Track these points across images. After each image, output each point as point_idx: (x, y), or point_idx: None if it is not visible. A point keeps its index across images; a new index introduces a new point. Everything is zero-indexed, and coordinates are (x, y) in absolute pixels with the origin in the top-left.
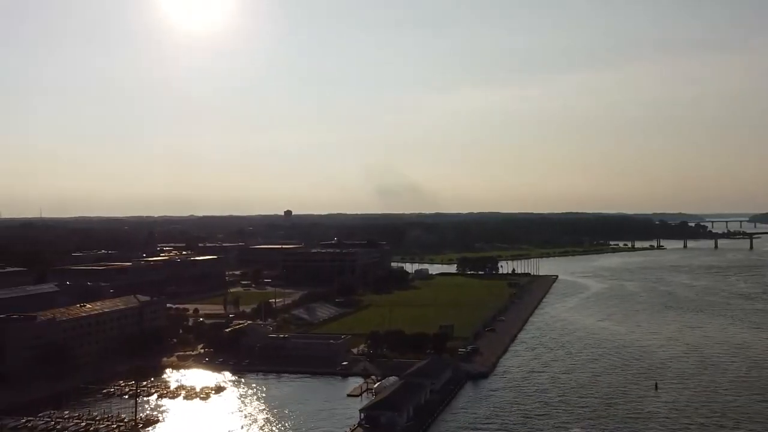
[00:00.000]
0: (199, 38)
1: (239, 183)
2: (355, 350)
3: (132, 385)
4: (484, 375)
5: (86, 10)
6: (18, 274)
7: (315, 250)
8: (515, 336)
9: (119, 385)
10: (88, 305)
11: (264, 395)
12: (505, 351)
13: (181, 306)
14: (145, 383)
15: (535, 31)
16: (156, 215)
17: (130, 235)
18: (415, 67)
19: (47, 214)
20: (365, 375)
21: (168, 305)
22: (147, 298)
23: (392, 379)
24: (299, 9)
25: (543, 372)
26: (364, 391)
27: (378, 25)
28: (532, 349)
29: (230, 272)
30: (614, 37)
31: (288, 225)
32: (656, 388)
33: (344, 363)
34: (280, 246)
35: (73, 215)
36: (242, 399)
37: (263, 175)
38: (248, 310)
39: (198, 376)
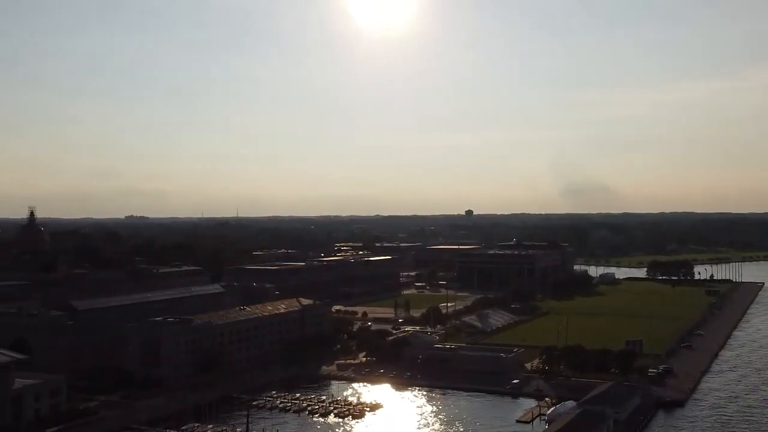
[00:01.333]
0: (388, 42)
1: (424, 183)
2: (528, 365)
3: (284, 397)
4: (680, 402)
5: (284, 19)
6: (194, 273)
7: (492, 251)
8: (716, 354)
9: (271, 397)
10: (248, 308)
11: (424, 415)
12: (704, 372)
13: (351, 308)
14: (298, 395)
15: (738, 22)
16: (344, 215)
17: (313, 235)
18: (602, 64)
19: (243, 213)
20: (538, 396)
21: (336, 307)
22: (310, 302)
23: (569, 404)
24: (482, 9)
25: (750, 397)
26: (536, 417)
27: (562, 23)
28: (736, 370)
29: (406, 273)
30: None
31: (470, 225)
32: None
33: (515, 381)
34: (455, 246)
35: (267, 214)
36: (398, 419)
37: (447, 174)
38: (418, 315)
39: (356, 389)
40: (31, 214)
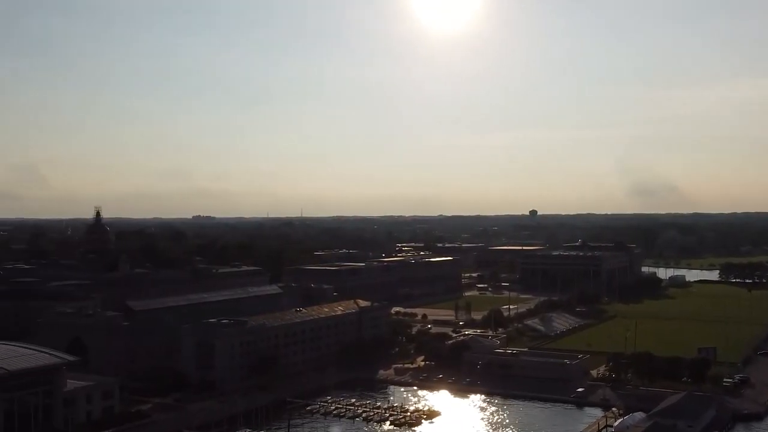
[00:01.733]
0: (451, 40)
1: (488, 183)
2: (594, 372)
3: (339, 402)
4: (759, 416)
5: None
6: (253, 273)
7: (556, 252)
8: None
9: (325, 401)
10: (304, 310)
11: (482, 424)
12: None
13: (410, 310)
14: (353, 401)
15: None
16: (407, 215)
17: (375, 235)
18: (670, 61)
19: (307, 213)
20: (605, 406)
21: (396, 309)
22: (367, 304)
23: (638, 416)
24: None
25: None
26: (603, 428)
27: (627, 20)
28: None
29: (467, 274)
30: None
31: (534, 225)
32: None
33: (580, 389)
34: (519, 247)
35: (331, 214)
36: (456, 428)
37: (511, 174)
38: (479, 317)
39: (413, 395)
40: (97, 214)
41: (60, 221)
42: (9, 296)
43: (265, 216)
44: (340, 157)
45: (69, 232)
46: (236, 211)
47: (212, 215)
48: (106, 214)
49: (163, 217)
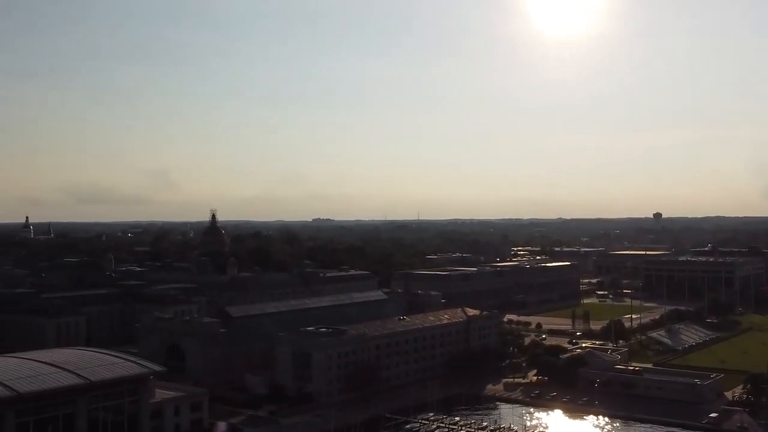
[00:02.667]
0: (569, 42)
1: (609, 185)
2: (729, 395)
3: (442, 420)
4: None
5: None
6: (361, 277)
7: (683, 258)
8: None
9: (427, 419)
10: (408, 318)
11: None
12: None
13: (524, 319)
14: (457, 419)
15: None
16: (524, 218)
17: (490, 238)
18: None
19: (424, 216)
20: None
21: (509, 317)
22: (476, 312)
23: None
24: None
25: None
26: None
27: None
28: None
29: (586, 280)
30: None
31: (658, 229)
32: None
33: (713, 414)
34: (642, 252)
35: (447, 217)
36: None
37: (634, 175)
38: (598, 328)
39: (522, 414)
40: (213, 217)
41: (185, 224)
42: (116, 300)
43: (383, 219)
44: (458, 159)
45: (191, 235)
46: (355, 213)
47: (331, 218)
48: (229, 217)
49: (284, 219)
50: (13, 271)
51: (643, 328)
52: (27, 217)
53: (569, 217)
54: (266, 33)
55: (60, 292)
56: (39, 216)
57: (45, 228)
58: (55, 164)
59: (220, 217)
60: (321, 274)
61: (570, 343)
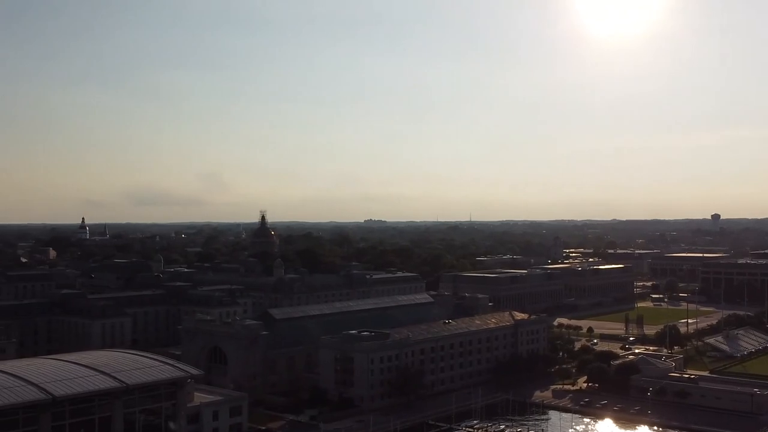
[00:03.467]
0: (614, 42)
1: (665, 185)
2: None
3: (487, 428)
4: None
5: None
6: (408, 279)
7: (743, 261)
8: None
9: (471, 426)
10: (453, 322)
11: None
12: None
13: (575, 323)
14: (502, 427)
15: None
16: (578, 219)
17: (542, 240)
18: None
19: (476, 217)
20: None
21: (559, 321)
22: (524, 316)
23: None
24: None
25: None
26: None
27: None
28: None
29: (641, 283)
30: None
31: (716, 230)
32: None
33: None
34: (699, 254)
35: (500, 219)
36: None
37: (691, 176)
38: (652, 332)
39: (571, 422)
40: (262, 218)
41: (238, 225)
42: (162, 301)
43: (435, 220)
44: (510, 160)
45: (243, 236)
46: (407, 215)
47: (384, 219)
48: (283, 218)
49: (337, 221)
50: (66, 271)
51: (700, 333)
52: (83, 219)
53: (624, 219)
54: (316, 36)
55: (108, 292)
56: (99, 217)
57: (101, 229)
58: (113, 167)
59: (273, 219)
60: (367, 276)
61: (622, 348)
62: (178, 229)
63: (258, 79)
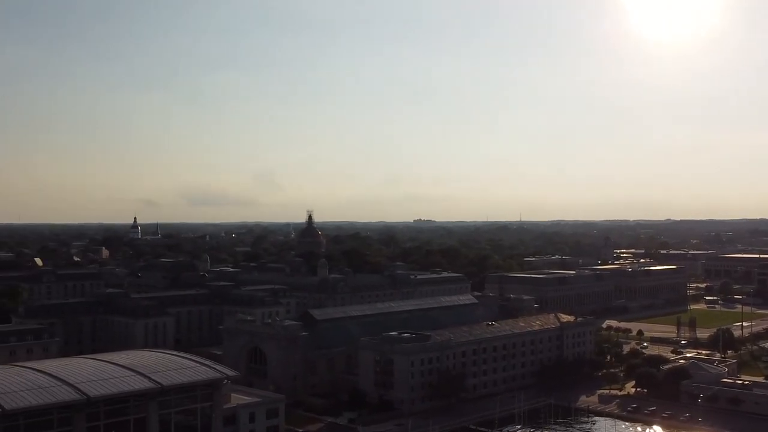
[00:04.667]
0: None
1: (721, 185)
2: None
3: None
4: None
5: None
6: (453, 280)
7: None
8: None
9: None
10: (497, 324)
11: None
12: None
13: (625, 325)
14: None
15: None
16: (630, 219)
17: (593, 240)
18: None
19: (526, 217)
20: None
21: (608, 323)
22: (570, 318)
23: None
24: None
25: None
26: None
27: None
28: None
29: (694, 285)
30: None
31: None
32: None
33: None
34: (756, 255)
35: (550, 219)
36: None
37: (748, 175)
38: (705, 336)
39: (617, 429)
40: (309, 217)
41: (288, 225)
42: (205, 300)
43: (484, 220)
44: (562, 160)
45: (292, 235)
46: (457, 215)
47: (433, 219)
48: (332, 218)
49: (386, 221)
50: (115, 270)
51: (755, 337)
52: (135, 218)
53: (678, 219)
54: (369, 37)
55: (153, 291)
56: (154, 217)
57: (153, 228)
58: (169, 167)
59: (322, 219)
60: (412, 276)
61: (673, 352)
62: (230, 229)
63: (310, 81)
